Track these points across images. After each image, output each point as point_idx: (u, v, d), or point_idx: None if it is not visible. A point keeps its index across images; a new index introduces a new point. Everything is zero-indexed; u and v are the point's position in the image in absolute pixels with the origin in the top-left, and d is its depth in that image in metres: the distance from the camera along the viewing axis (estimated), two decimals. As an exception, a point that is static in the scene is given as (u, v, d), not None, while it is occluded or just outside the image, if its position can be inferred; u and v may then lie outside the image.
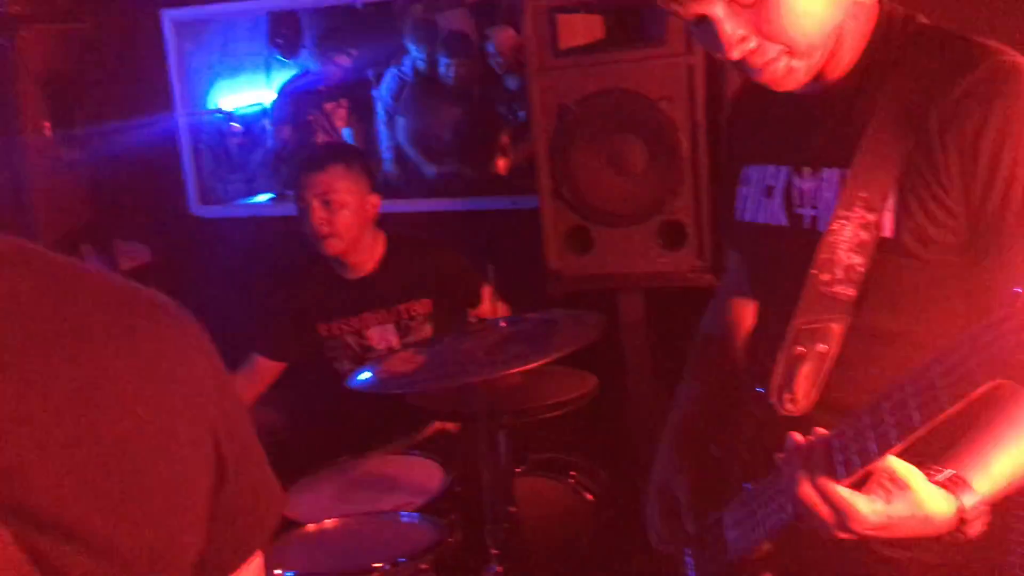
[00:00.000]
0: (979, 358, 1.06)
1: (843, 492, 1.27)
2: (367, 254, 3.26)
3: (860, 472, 1.26)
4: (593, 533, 3.24)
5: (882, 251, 1.47)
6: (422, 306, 3.28)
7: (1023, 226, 1.40)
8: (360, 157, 3.37)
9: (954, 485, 1.30)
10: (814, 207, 1.57)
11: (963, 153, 1.40)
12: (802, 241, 1.56)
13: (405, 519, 2.68)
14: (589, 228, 3.13)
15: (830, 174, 1.55)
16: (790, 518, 1.46)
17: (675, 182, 3.01)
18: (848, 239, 1.48)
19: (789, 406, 1.55)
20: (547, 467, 3.32)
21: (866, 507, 1.26)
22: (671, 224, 3.06)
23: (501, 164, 3.89)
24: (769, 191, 1.67)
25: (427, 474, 2.94)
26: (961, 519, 1.29)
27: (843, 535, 1.31)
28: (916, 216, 1.44)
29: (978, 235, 1.44)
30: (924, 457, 1.32)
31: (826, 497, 1.28)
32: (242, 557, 0.90)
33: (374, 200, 3.21)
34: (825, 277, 1.50)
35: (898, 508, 1.27)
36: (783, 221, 1.63)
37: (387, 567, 2.42)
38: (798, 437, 1.35)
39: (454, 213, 3.89)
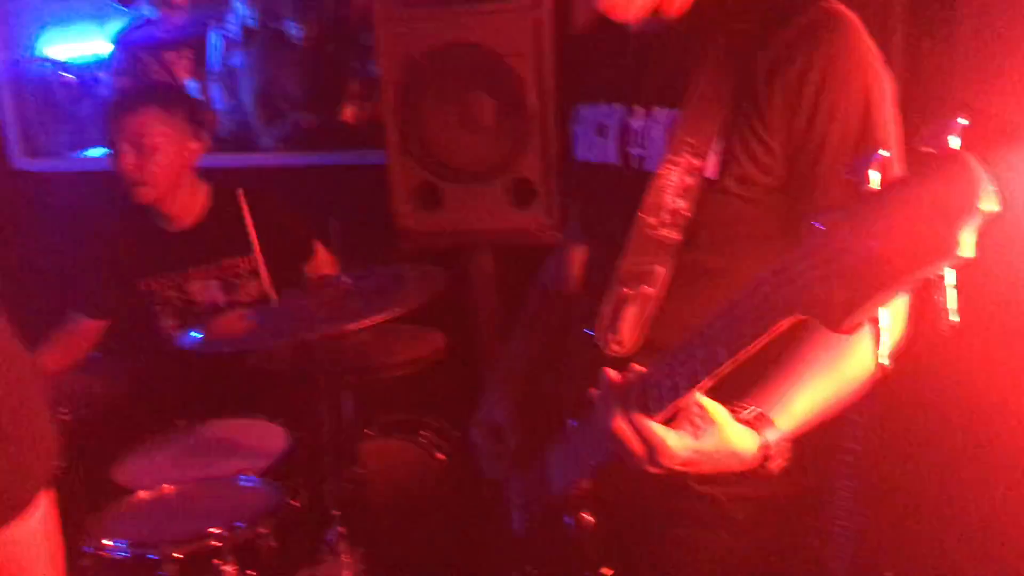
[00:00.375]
0: (780, 294, 1.07)
1: (654, 427, 1.29)
2: (188, 205, 3.09)
3: (670, 408, 1.28)
4: (445, 492, 3.23)
5: (706, 192, 1.50)
6: (248, 262, 3.12)
7: (837, 167, 1.44)
8: (183, 100, 3.18)
9: (758, 422, 1.35)
10: (643, 147, 1.59)
11: (787, 97, 1.44)
12: (632, 181, 1.58)
13: (245, 483, 2.59)
14: (438, 184, 3.08)
15: (660, 114, 1.57)
16: (608, 455, 1.47)
17: (523, 139, 2.99)
18: (675, 184, 1.51)
19: (615, 347, 1.58)
20: (397, 428, 3.29)
21: (675, 442, 1.29)
22: (520, 182, 3.04)
23: (349, 112, 3.77)
24: (602, 130, 1.67)
25: (269, 437, 2.84)
26: (765, 455, 1.34)
27: (654, 469, 1.33)
28: (740, 159, 1.48)
29: (796, 176, 1.48)
30: (732, 395, 1.36)
31: (638, 432, 1.30)
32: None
33: (195, 147, 3.04)
34: (652, 220, 1.53)
35: (706, 443, 1.30)
36: (615, 160, 1.65)
37: (224, 532, 2.33)
38: (613, 374, 1.36)
39: (297, 168, 3.76)
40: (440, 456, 3.25)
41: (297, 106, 3.95)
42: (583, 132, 1.74)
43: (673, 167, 1.50)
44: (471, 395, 3.34)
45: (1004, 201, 0.88)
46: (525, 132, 2.96)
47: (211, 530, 2.33)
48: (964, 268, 0.92)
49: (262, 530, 2.39)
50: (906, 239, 0.92)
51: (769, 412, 1.36)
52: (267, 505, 2.47)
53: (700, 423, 1.29)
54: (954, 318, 0.94)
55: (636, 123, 1.61)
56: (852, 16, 1.46)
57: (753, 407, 1.36)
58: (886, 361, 1.04)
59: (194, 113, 3.11)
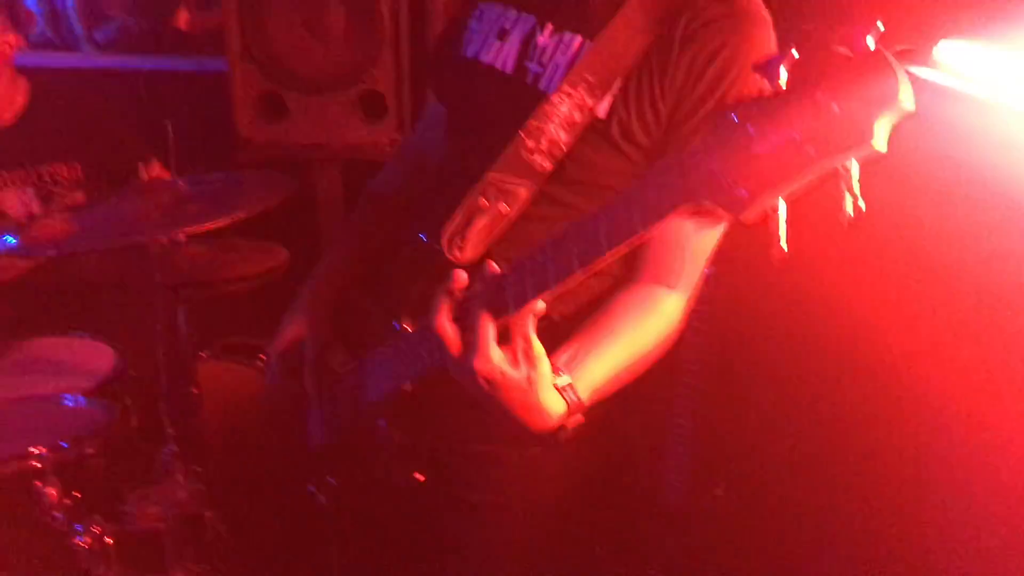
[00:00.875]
0: (683, 181, 1.07)
1: (485, 325, 1.27)
2: (3, 103, 2.85)
3: (516, 314, 1.26)
4: (284, 417, 3.14)
5: (589, 131, 1.50)
6: (70, 170, 2.91)
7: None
8: None
9: (568, 391, 1.37)
10: (542, 66, 1.56)
11: (690, 72, 1.46)
12: (519, 95, 1.55)
13: (70, 403, 2.43)
14: (283, 94, 2.95)
15: (571, 40, 1.54)
16: (435, 361, 1.45)
17: (375, 50, 2.88)
18: (562, 115, 1.50)
19: (456, 253, 1.55)
20: (235, 351, 3.16)
21: (495, 352, 1.27)
22: (371, 94, 2.94)
23: (184, 18, 3.55)
24: (503, 34, 1.63)
25: (96, 356, 2.67)
26: (563, 424, 1.36)
27: (459, 370, 1.31)
28: (631, 110, 1.48)
29: (667, 146, 1.49)
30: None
31: (472, 324, 1.28)
32: None
33: (11, 40, 2.80)
34: (530, 144, 1.51)
35: (516, 375, 1.29)
36: (509, 69, 1.60)
37: (45, 452, 2.17)
38: (461, 275, 1.32)
39: (129, 72, 3.51)
40: (281, 381, 3.15)
41: (125, 9, 3.69)
42: (480, 30, 1.67)
43: (566, 99, 1.49)
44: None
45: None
46: (378, 42, 2.86)
47: (33, 450, 2.17)
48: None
49: (89, 450, 2.24)
50: (821, 127, 0.93)
51: (578, 387, 1.38)
52: (94, 425, 2.32)
53: (522, 357, 1.28)
54: (860, 205, 0.95)
55: (543, 40, 1.57)
56: (768, 19, 1.49)
57: (567, 376, 1.37)
58: (785, 247, 1.01)
59: (11, 7, 2.84)
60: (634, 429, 1.81)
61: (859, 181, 0.95)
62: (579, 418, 1.38)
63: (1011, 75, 1.55)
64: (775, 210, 1.00)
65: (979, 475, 1.66)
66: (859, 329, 1.90)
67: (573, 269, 1.20)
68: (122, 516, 2.15)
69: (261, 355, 3.18)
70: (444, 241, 1.55)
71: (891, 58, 0.90)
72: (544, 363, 1.30)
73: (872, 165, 0.94)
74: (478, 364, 1.28)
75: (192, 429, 2.47)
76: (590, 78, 1.49)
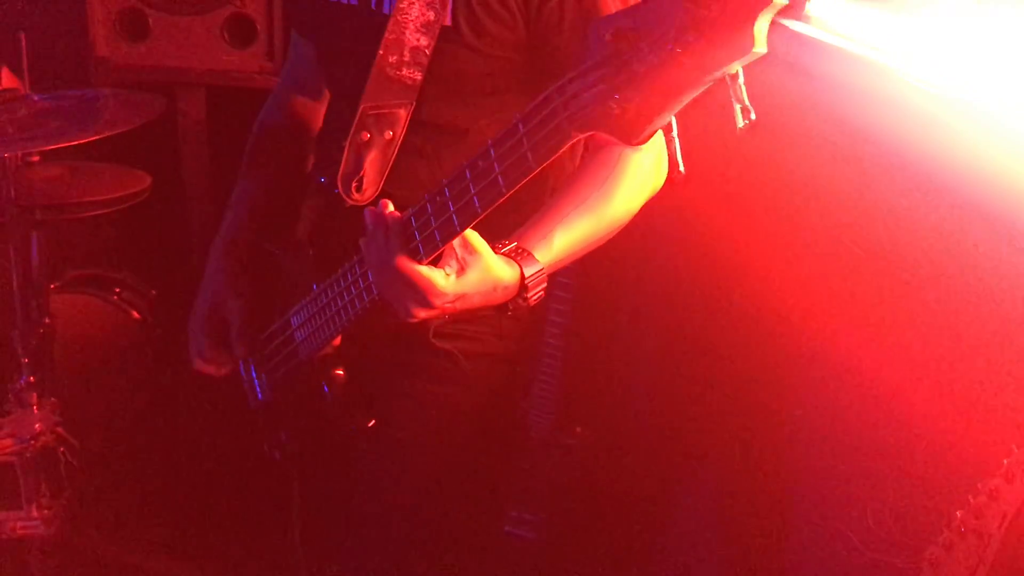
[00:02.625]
0: (569, 111, 1.04)
1: (422, 270, 1.26)
2: None
3: (440, 250, 1.26)
4: (140, 352, 3.04)
5: (444, 40, 1.46)
6: None
7: (577, 30, 1.42)
8: None
9: (517, 254, 1.36)
10: None
11: None
12: (370, 22, 1.50)
13: (-91, 330, 2.28)
14: (145, 12, 2.79)
15: None
16: (365, 307, 1.45)
17: (245, -31, 2.77)
18: (415, 19, 1.45)
19: (356, 195, 1.52)
20: (89, 283, 3.03)
21: (443, 280, 1.28)
22: (239, 18, 2.83)
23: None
24: None
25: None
26: (523, 285, 1.34)
27: (424, 312, 1.31)
28: (474, 8, 1.43)
29: (536, 38, 1.45)
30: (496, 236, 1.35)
31: (405, 277, 1.27)
32: None
33: None
34: (392, 59, 1.47)
35: (471, 277, 1.29)
36: (353, 1, 1.55)
37: None
38: (376, 216, 1.30)
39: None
40: (135, 315, 3.05)
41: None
42: None
43: (413, 4, 1.44)
44: (175, 246, 3.17)
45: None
46: (248, -40, 2.75)
47: None
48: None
49: (-67, 379, 2.12)
50: (700, 40, 0.90)
51: (527, 246, 1.37)
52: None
53: (464, 255, 1.28)
54: (751, 112, 0.94)
55: None
56: None
57: (513, 242, 1.37)
58: (683, 168, 1.03)
59: None
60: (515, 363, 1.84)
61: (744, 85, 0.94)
62: (541, 279, 1.36)
63: (881, 31, 1.62)
64: (669, 130, 1.01)
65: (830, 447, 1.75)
66: (730, 265, 1.97)
67: (476, 210, 1.20)
68: (-29, 449, 2.05)
69: (117, 288, 3.07)
70: (341, 186, 1.52)
71: None
72: (484, 244, 1.29)
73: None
74: (436, 302, 1.28)
75: (46, 360, 2.36)
76: None
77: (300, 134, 1.84)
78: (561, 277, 2.29)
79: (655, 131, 0.99)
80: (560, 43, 1.43)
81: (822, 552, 1.73)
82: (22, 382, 2.15)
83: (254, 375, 1.79)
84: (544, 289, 1.37)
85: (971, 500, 1.30)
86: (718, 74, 0.92)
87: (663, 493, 2.33)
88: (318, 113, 1.82)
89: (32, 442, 2.09)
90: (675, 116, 1.00)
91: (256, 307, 1.74)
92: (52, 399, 2.20)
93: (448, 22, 1.44)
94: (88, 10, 2.78)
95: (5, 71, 2.62)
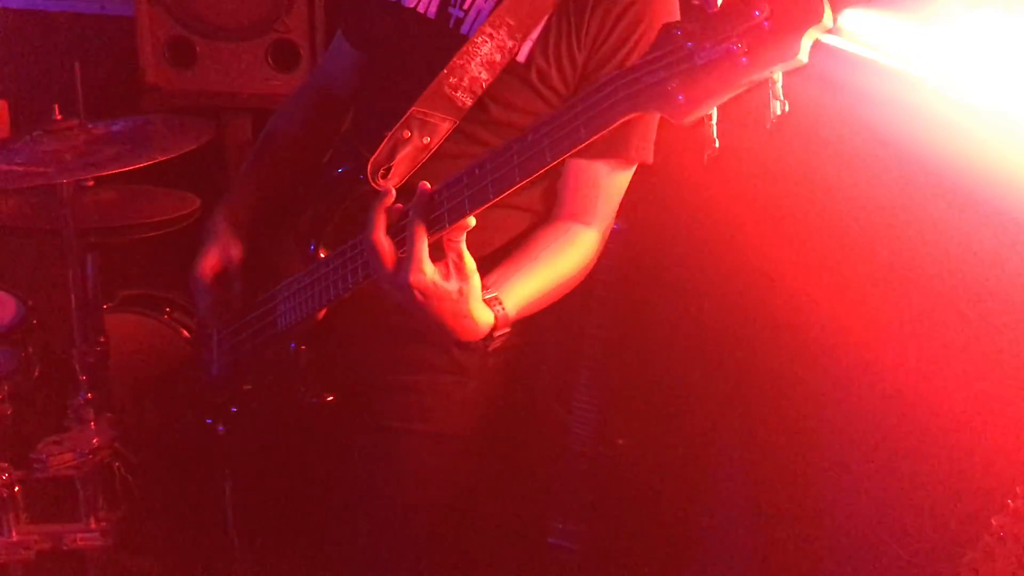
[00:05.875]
0: (627, 91, 1.16)
1: (420, 239, 1.35)
2: None
3: (464, 218, 1.33)
4: (190, 369, 3.11)
5: (509, 73, 1.59)
6: None
7: None
8: None
9: (495, 304, 1.47)
10: (464, 10, 1.64)
11: (603, 25, 1.56)
12: (442, 39, 1.62)
13: (-29, 351, 2.37)
14: (192, 40, 2.88)
15: None
16: (359, 282, 1.53)
17: (288, -2, 2.85)
18: (484, 55, 1.57)
19: (381, 181, 1.61)
20: (140, 303, 3.12)
21: (428, 266, 1.35)
22: (283, 44, 2.91)
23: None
24: None
25: (-2, 305, 2.61)
26: (491, 333, 1.46)
27: (396, 281, 1.38)
28: (549, 57, 1.58)
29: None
30: None
31: (405, 239, 1.36)
32: None
33: None
34: (452, 80, 1.59)
35: (448, 287, 1.37)
36: (432, 14, 1.66)
37: (-50, 399, 2.13)
38: (393, 192, 1.40)
39: (32, 12, 3.37)
40: (185, 333, 3.12)
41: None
42: None
43: (489, 40, 1.57)
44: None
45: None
46: (289, -10, 2.83)
47: (-65, 396, 2.12)
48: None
49: (-5, 397, 2.20)
50: (754, 42, 1.04)
51: (504, 297, 1.48)
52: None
53: (455, 271, 1.37)
54: (786, 106, 1.08)
55: None
56: None
57: (493, 290, 1.47)
58: (717, 144, 1.14)
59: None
60: (540, 374, 1.88)
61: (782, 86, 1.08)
62: (506, 331, 1.48)
63: (913, 43, 1.64)
64: (709, 116, 1.13)
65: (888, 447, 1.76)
66: (765, 279, 1.99)
67: (515, 179, 1.30)
68: (32, 463, 2.12)
69: (168, 308, 3.15)
70: (369, 170, 1.61)
71: None
72: (475, 276, 1.39)
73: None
74: (413, 277, 1.35)
75: (102, 377, 2.44)
76: (511, 21, 1.56)
77: (315, 123, 1.94)
78: (600, 291, 2.32)
79: (701, 116, 1.12)
80: None
81: (861, 558, 1.74)
82: (80, 399, 2.22)
83: (214, 347, 1.86)
84: (505, 337, 1.48)
85: (1009, 504, 1.32)
86: (765, 74, 1.06)
87: (704, 504, 2.34)
88: (337, 112, 1.93)
89: (91, 457, 2.16)
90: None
91: (245, 287, 1.81)
92: (108, 415, 2.27)
93: (522, 60, 1.58)
94: (138, 39, 2.87)
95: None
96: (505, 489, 1.93)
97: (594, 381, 2.39)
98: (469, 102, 1.59)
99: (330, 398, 1.70)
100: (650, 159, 1.65)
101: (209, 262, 1.80)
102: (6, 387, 2.27)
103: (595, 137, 1.22)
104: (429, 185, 1.37)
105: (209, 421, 1.88)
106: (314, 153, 1.92)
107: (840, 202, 1.79)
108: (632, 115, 1.18)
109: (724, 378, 2.23)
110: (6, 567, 2.15)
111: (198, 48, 2.90)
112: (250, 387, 1.84)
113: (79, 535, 2.19)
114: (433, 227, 1.35)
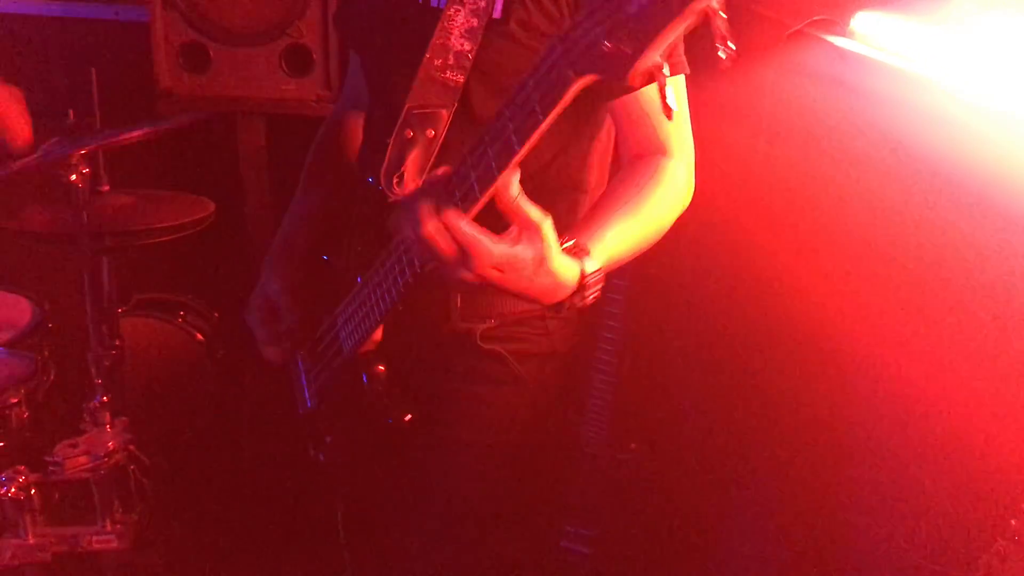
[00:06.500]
0: (569, 58, 1.06)
1: (466, 225, 1.20)
2: None
3: (484, 199, 1.21)
4: (203, 372, 3.13)
5: (490, 35, 1.48)
6: None
7: None
8: None
9: (577, 251, 1.33)
10: None
11: None
12: (416, 17, 1.54)
13: (-11, 354, 2.39)
14: (207, 45, 2.89)
15: None
16: (408, 284, 1.43)
17: (302, 3, 2.85)
18: (460, 24, 1.49)
19: (397, 189, 1.54)
20: (155, 307, 3.14)
21: (490, 242, 1.21)
22: (297, 48, 2.91)
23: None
24: None
25: (14, 309, 2.63)
26: (582, 284, 1.32)
27: (466, 275, 1.23)
28: (525, 1, 1.46)
29: None
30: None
31: (450, 232, 1.21)
32: None
33: None
34: (437, 62, 1.50)
35: (523, 251, 1.22)
36: None
37: (-33, 402, 2.14)
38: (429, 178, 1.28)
39: (47, 18, 3.40)
40: (199, 336, 3.14)
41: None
42: None
43: (460, 7, 1.48)
44: (236, 270, 3.27)
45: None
46: (303, -6, 2.83)
47: (-48, 399, 2.14)
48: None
49: (13, 400, 2.22)
50: None
51: (587, 244, 1.35)
52: (14, 375, 2.30)
53: (526, 232, 1.22)
54: (730, 45, 0.98)
55: None
56: None
57: (571, 239, 1.34)
58: (674, 106, 1.05)
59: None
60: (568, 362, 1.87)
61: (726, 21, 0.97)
62: (598, 280, 1.34)
63: (926, 45, 1.64)
64: (715, 14, 0.99)
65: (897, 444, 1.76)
66: (777, 284, 1.99)
67: (493, 176, 1.17)
68: (48, 466, 2.13)
69: (182, 312, 3.17)
70: (383, 181, 1.55)
71: None
72: (547, 228, 1.23)
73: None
74: (478, 265, 1.21)
75: (117, 381, 2.46)
76: None
77: (354, 147, 1.89)
78: (612, 294, 2.33)
79: (648, 68, 1.01)
80: None
81: (876, 563, 1.73)
82: (96, 402, 2.24)
83: (304, 381, 1.85)
84: (600, 290, 1.35)
85: (1024, 508, 1.31)
86: (700, 6, 0.95)
87: (717, 508, 2.34)
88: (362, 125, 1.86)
89: (106, 459, 2.17)
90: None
91: (310, 312, 1.79)
92: (123, 418, 2.29)
93: (498, 15, 1.47)
94: (152, 45, 2.88)
95: None
96: (518, 492, 1.93)
97: (607, 385, 2.39)
98: (461, 79, 1.50)
99: (408, 417, 1.63)
100: (687, 69, 1.48)
101: (254, 301, 1.82)
102: (22, 390, 2.29)
103: (554, 113, 1.10)
104: (442, 170, 1.26)
105: (312, 451, 1.87)
106: (349, 173, 1.87)
107: (854, 207, 1.79)
108: (581, 82, 1.05)
109: (736, 383, 2.23)
110: (23, 569, 2.16)
111: (212, 53, 2.90)
112: (336, 414, 1.81)
113: (95, 537, 2.20)
114: (467, 201, 1.20)
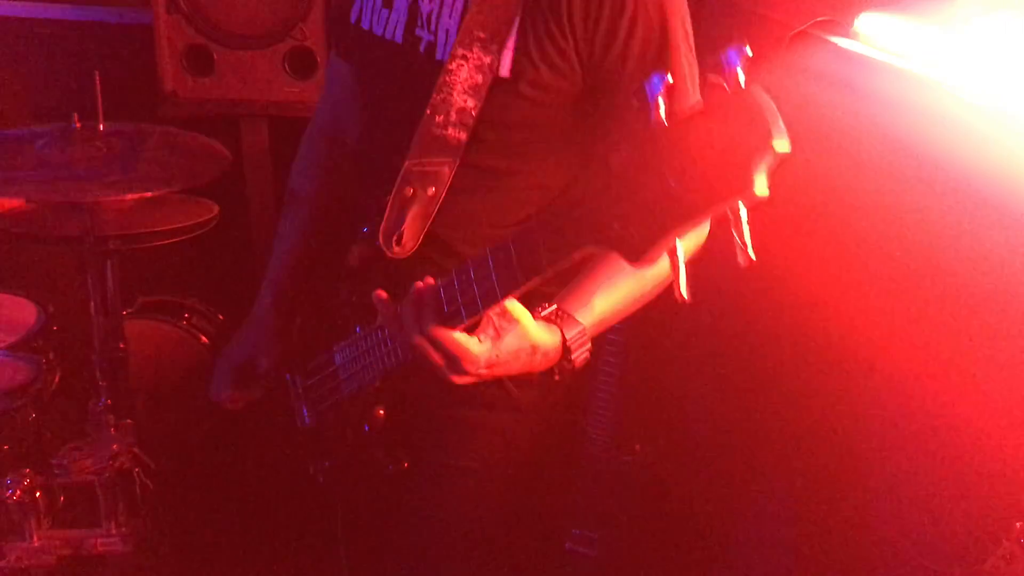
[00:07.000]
0: (577, 228, 1.05)
1: (455, 337, 1.27)
2: None
3: (468, 322, 1.26)
4: (208, 374, 3.13)
5: (496, 91, 1.43)
6: None
7: (635, 82, 1.36)
8: None
9: (557, 317, 1.36)
10: (432, 32, 1.49)
11: (588, 2, 1.37)
12: (416, 67, 1.50)
13: (-6, 356, 2.39)
14: (210, 48, 2.90)
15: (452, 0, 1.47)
16: (401, 362, 1.47)
17: (305, 6, 2.86)
18: (463, 81, 1.44)
19: (396, 248, 1.52)
20: (159, 309, 3.14)
21: (477, 348, 1.28)
22: (300, 51, 2.92)
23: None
24: (388, 1, 1.55)
25: (18, 311, 2.63)
26: (566, 347, 1.35)
27: (458, 378, 1.32)
28: (535, 60, 1.41)
29: (594, 86, 1.43)
30: (535, 300, 1.34)
31: (438, 344, 1.28)
32: None
33: None
34: (439, 119, 1.46)
35: (508, 343, 1.29)
36: (399, 39, 1.53)
37: (-28, 405, 2.15)
38: (419, 285, 1.30)
39: (51, 21, 3.41)
40: (204, 339, 3.14)
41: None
42: None
43: (464, 63, 1.42)
44: (240, 272, 3.27)
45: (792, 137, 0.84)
46: (306, -3, 2.84)
47: (-43, 403, 2.14)
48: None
49: (17, 402, 2.22)
50: (700, 176, 0.89)
51: (567, 308, 1.37)
52: (19, 378, 2.31)
53: (501, 323, 1.28)
54: (750, 254, 0.92)
55: (425, 5, 1.49)
56: None
57: (552, 305, 1.37)
58: (685, 294, 0.99)
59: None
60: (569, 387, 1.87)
61: (748, 225, 0.90)
62: (583, 340, 1.36)
63: (930, 46, 1.64)
64: (736, 217, 0.93)
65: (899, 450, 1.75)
66: (780, 286, 1.99)
67: (497, 296, 1.20)
68: (53, 469, 2.14)
69: (186, 314, 3.17)
70: (382, 240, 1.52)
71: (760, 97, 0.85)
72: (523, 312, 1.29)
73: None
74: (470, 368, 1.29)
75: (122, 384, 2.46)
76: (481, 34, 1.41)
77: (333, 175, 1.84)
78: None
79: (659, 255, 0.98)
80: (619, 86, 1.41)
81: (881, 566, 1.73)
82: (100, 405, 2.24)
83: (302, 400, 1.82)
84: (589, 351, 1.37)
85: (1030, 510, 1.31)
86: (717, 211, 0.91)
87: (721, 509, 2.34)
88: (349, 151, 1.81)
89: (110, 463, 2.17)
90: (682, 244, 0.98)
91: (301, 336, 1.79)
92: (127, 421, 2.29)
93: (507, 74, 1.42)
94: (156, 48, 2.89)
95: None
96: (523, 495, 1.93)
97: (611, 387, 2.39)
98: (463, 136, 1.45)
99: (406, 465, 1.64)
100: (647, 263, 1.44)
101: (235, 356, 1.85)
102: (27, 393, 2.29)
103: (554, 269, 1.11)
104: (431, 281, 1.29)
105: (311, 470, 1.84)
106: (339, 203, 1.83)
107: (857, 207, 1.79)
108: (587, 249, 1.06)
109: (741, 385, 2.23)
110: (28, 572, 2.16)
111: (216, 56, 2.91)
112: (335, 445, 1.78)
113: (99, 540, 2.21)
114: (454, 324, 1.26)
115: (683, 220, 0.92)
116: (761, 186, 0.85)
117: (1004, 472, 1.45)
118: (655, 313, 2.38)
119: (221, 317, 3.25)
